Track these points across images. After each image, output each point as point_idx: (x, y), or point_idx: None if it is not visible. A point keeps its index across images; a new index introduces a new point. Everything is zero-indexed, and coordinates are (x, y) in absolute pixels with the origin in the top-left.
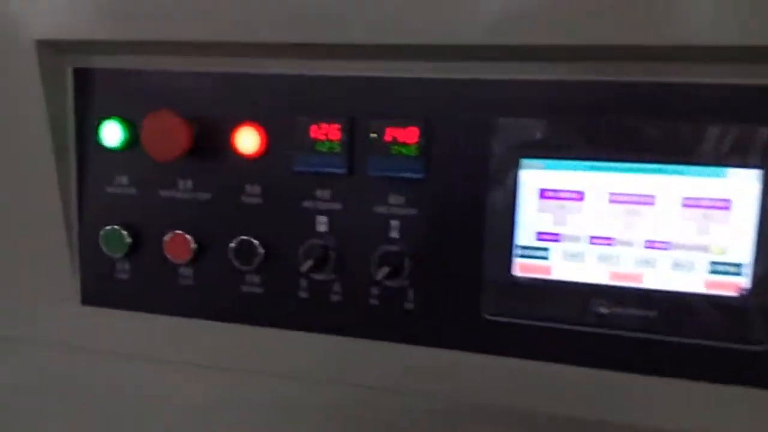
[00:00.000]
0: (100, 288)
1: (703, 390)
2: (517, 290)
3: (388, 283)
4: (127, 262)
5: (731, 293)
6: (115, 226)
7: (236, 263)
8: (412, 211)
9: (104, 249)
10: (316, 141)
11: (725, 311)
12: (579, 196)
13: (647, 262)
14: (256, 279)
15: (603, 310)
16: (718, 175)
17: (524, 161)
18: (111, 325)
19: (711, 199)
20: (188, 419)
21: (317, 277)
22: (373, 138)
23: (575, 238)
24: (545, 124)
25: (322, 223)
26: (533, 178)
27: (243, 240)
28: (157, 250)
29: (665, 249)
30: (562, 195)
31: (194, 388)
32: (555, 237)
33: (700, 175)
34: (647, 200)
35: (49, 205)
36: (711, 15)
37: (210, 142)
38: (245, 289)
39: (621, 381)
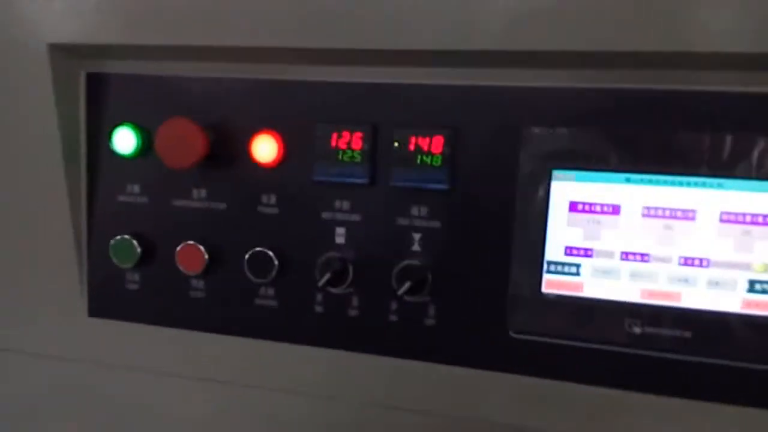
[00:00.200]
0: (108, 300)
1: (738, 414)
2: (545, 307)
3: (409, 298)
4: (137, 273)
5: None
6: (126, 236)
7: (250, 275)
8: (436, 224)
9: (114, 259)
10: (336, 149)
11: (763, 332)
12: (612, 209)
13: (683, 280)
14: (271, 292)
15: (636, 329)
16: (760, 190)
17: (555, 172)
18: (119, 338)
19: (753, 215)
20: None
21: (334, 290)
22: (397, 147)
23: (607, 254)
24: (576, 134)
25: (341, 235)
26: (563, 190)
27: (258, 252)
28: (168, 261)
29: (702, 266)
30: (594, 208)
31: (205, 404)
32: (586, 252)
33: (741, 188)
34: (684, 215)
35: (57, 213)
36: (756, 24)
37: (226, 150)
38: (259, 302)
39: (653, 403)
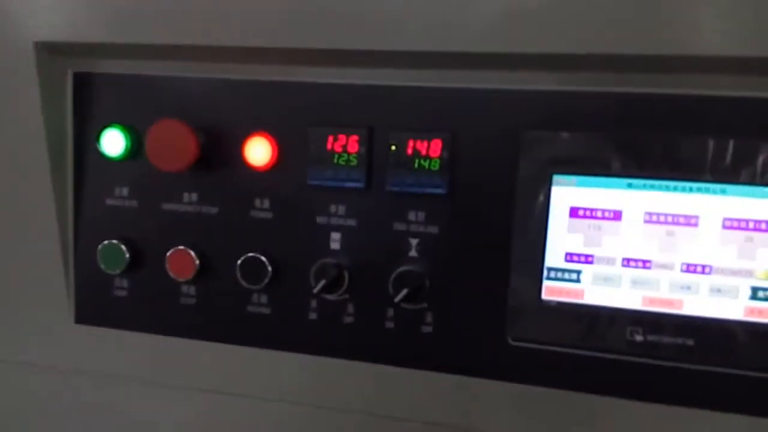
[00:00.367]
0: (95, 306)
1: (741, 423)
2: (545, 315)
3: (406, 305)
4: (126, 278)
5: None
6: (114, 241)
7: (243, 281)
8: (434, 229)
9: (101, 264)
10: (332, 153)
11: (766, 340)
12: (613, 215)
13: (685, 287)
14: (264, 299)
15: (637, 337)
16: (763, 196)
17: (555, 177)
18: (107, 346)
19: (756, 221)
20: None
21: (329, 297)
22: (394, 150)
23: (608, 260)
24: (577, 138)
25: (336, 241)
26: (564, 195)
27: (251, 257)
28: (158, 266)
29: (704, 273)
30: (595, 214)
31: (196, 414)
32: (586, 259)
33: (744, 194)
34: (687, 221)
35: (43, 217)
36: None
37: (218, 153)
38: (251, 309)
39: (655, 412)
